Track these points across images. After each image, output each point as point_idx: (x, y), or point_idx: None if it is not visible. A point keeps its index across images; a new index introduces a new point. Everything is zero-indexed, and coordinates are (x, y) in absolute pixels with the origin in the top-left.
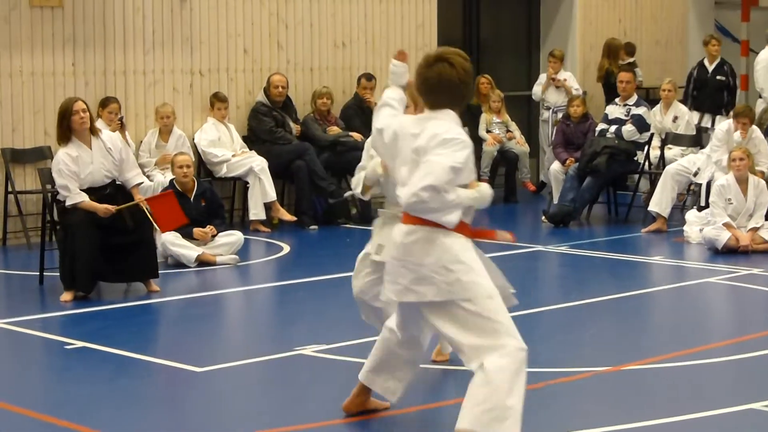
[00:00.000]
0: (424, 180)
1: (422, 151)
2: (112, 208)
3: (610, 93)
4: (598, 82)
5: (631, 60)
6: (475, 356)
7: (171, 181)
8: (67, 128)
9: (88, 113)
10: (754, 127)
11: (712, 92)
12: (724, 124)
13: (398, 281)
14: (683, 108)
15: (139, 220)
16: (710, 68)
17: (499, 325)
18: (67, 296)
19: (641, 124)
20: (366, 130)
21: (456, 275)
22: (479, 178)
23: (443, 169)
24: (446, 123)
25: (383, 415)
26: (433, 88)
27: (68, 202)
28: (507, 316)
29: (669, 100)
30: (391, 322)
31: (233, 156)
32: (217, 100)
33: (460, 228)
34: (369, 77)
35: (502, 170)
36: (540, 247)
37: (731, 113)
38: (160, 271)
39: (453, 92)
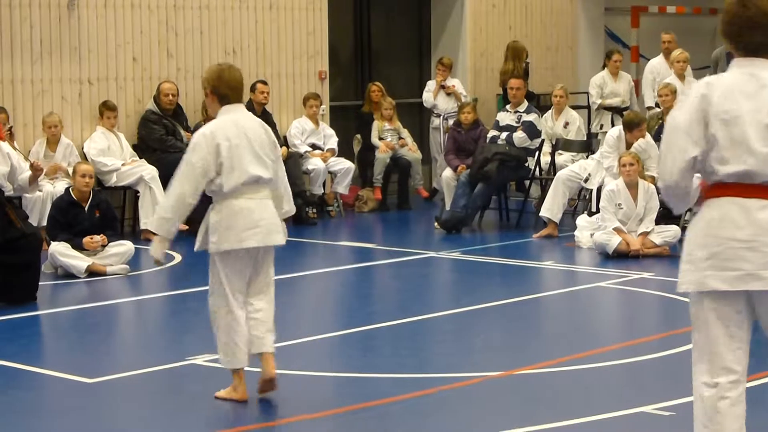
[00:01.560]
0: None
1: None
2: None
3: None
4: (501, 86)
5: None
6: None
7: (67, 189)
8: None
9: None
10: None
11: None
12: (614, 130)
13: (737, 267)
14: (574, 114)
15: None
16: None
17: None
18: None
19: (532, 131)
20: None
21: None
22: (372, 186)
23: None
24: None
25: (281, 423)
26: (750, 26)
27: None
28: None
29: (560, 106)
30: (703, 375)
31: (123, 165)
32: (107, 108)
33: None
34: (264, 82)
35: (394, 177)
36: (432, 254)
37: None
38: (50, 282)
39: None
